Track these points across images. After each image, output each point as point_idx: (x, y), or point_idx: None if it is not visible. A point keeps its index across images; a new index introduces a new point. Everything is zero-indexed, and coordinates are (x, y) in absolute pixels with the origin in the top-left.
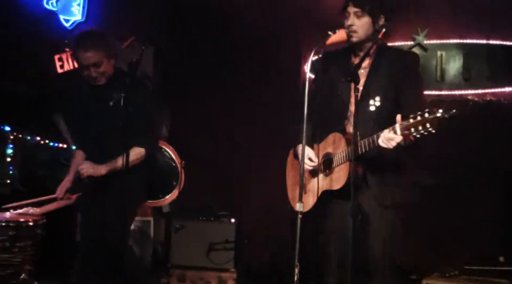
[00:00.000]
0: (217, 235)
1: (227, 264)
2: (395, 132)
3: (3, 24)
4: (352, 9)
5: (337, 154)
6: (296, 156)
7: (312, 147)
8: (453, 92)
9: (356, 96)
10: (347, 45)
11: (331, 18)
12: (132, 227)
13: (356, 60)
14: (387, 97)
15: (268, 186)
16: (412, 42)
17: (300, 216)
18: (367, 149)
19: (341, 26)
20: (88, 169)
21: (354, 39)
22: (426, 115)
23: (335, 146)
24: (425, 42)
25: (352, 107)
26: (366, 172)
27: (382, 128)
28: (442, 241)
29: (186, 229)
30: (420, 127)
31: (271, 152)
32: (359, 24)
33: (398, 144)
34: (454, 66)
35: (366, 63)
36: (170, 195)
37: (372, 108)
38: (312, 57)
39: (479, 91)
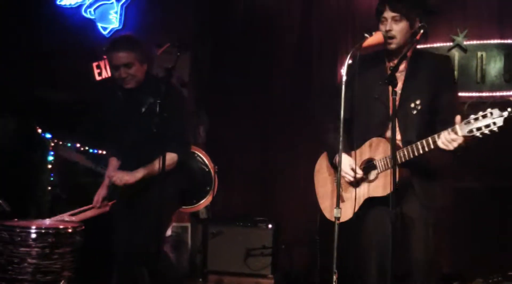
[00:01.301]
0: (254, 241)
1: (264, 270)
2: (456, 133)
3: (41, 32)
4: (389, 14)
5: (382, 159)
6: (332, 162)
7: (348, 154)
8: (494, 94)
9: (394, 99)
10: (383, 49)
11: (368, 21)
12: (170, 232)
13: (391, 63)
14: (425, 101)
15: (307, 192)
16: (451, 43)
17: (337, 222)
18: (426, 150)
19: (378, 28)
20: (121, 177)
21: (393, 45)
22: (489, 115)
23: (378, 151)
24: (465, 43)
25: (392, 112)
26: (412, 175)
27: (423, 132)
28: (485, 246)
29: (223, 234)
30: (483, 128)
31: (310, 158)
32: (398, 29)
33: (459, 146)
34: (495, 67)
35: (402, 66)
36: (203, 200)
37: (414, 111)
38: (348, 60)
39: None
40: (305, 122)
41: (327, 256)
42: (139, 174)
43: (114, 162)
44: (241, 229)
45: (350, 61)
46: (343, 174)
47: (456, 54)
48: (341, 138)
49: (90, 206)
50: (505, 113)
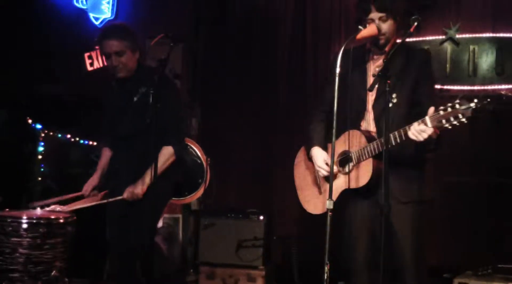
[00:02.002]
0: (246, 232)
1: (256, 261)
2: (425, 125)
3: (33, 23)
4: (376, 15)
5: (357, 151)
6: (310, 158)
7: (325, 146)
8: (486, 87)
9: (386, 91)
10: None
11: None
12: (161, 224)
13: (373, 56)
14: (402, 94)
15: None
16: (443, 36)
17: (330, 213)
18: (398, 142)
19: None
20: (132, 193)
21: (383, 41)
22: (457, 106)
23: (354, 143)
24: (457, 36)
25: (369, 106)
26: (390, 168)
27: (399, 125)
28: (475, 238)
29: (215, 226)
30: (452, 118)
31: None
32: (386, 27)
33: (430, 137)
34: (487, 60)
35: (380, 61)
36: (195, 192)
37: (389, 104)
38: (341, 52)
39: None
40: (300, 116)
41: (308, 249)
42: (147, 180)
43: (107, 152)
44: (233, 220)
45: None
46: (317, 168)
47: (448, 47)
48: (333, 131)
49: (79, 193)
50: (472, 104)
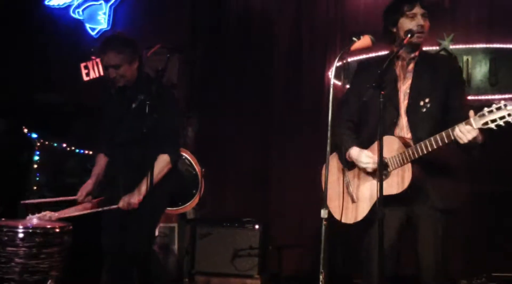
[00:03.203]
0: (241, 242)
1: (251, 271)
2: (471, 126)
3: (30, 33)
4: (420, 10)
5: (393, 156)
6: (344, 161)
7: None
8: (479, 98)
9: (381, 102)
10: (391, 50)
11: (356, 25)
12: (157, 233)
13: (400, 63)
14: (435, 99)
15: (299, 193)
16: (437, 47)
17: (324, 222)
18: (440, 144)
19: (366, 32)
20: (128, 202)
21: (421, 39)
22: (504, 107)
23: (390, 149)
24: (451, 47)
25: (402, 111)
26: (426, 176)
27: (433, 130)
28: (469, 246)
29: (211, 235)
30: (498, 119)
31: (301, 159)
32: (426, 26)
33: (474, 139)
34: (480, 71)
35: (410, 67)
36: (189, 202)
37: (423, 109)
38: (337, 63)
39: (506, 96)
40: (297, 124)
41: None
42: (143, 189)
43: (101, 159)
44: (228, 229)
45: (339, 64)
46: (363, 165)
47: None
48: (328, 141)
49: (73, 197)
50: None
